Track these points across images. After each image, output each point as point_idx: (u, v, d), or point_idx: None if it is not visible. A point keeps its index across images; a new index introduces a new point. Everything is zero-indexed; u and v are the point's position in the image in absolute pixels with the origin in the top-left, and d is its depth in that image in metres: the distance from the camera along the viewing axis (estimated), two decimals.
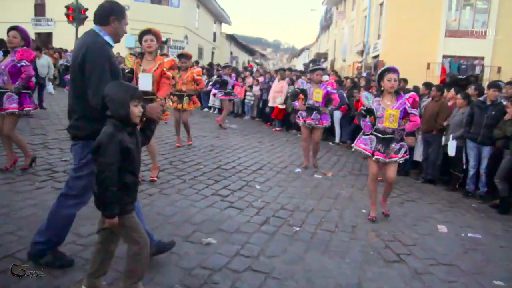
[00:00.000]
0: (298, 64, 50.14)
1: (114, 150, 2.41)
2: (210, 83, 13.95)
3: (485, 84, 9.92)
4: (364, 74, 17.92)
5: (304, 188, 6.04)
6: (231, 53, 40.67)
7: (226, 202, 4.98)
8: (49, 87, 10.99)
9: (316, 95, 7.16)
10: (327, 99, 7.23)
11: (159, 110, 2.82)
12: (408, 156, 5.15)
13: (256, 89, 13.27)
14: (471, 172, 6.70)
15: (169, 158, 6.89)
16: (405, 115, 4.83)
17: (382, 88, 4.92)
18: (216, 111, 14.73)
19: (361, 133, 5.16)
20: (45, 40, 26.41)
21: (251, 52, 50.68)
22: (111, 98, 2.48)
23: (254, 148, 8.63)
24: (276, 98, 11.83)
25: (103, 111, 2.52)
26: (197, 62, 17.89)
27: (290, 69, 14.95)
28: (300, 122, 7.37)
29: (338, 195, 5.93)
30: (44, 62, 10.81)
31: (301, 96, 7.43)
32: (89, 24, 3.37)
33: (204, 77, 14.54)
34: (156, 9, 25.40)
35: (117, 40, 3.00)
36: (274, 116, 11.92)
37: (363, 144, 5.03)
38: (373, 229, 4.65)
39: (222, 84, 11.77)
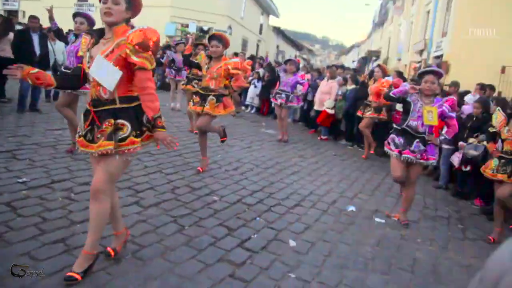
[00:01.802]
0: (347, 62, 47.83)
1: None
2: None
3: None
4: None
5: (362, 245, 4.02)
6: (278, 47, 38.65)
7: (239, 281, 3.04)
8: None
9: (429, 116, 4.42)
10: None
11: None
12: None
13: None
14: None
15: (174, 181, 5.04)
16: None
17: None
18: (254, 111, 12.84)
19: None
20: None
21: (298, 47, 48.40)
22: None
23: (292, 167, 6.64)
24: (324, 100, 9.78)
25: None
26: (236, 54, 16.03)
27: (342, 67, 12.77)
28: (392, 153, 4.67)
29: (415, 260, 3.88)
30: (60, 48, 9.08)
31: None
32: None
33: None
34: None
35: None
36: (320, 121, 9.86)
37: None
38: None
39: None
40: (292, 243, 3.79)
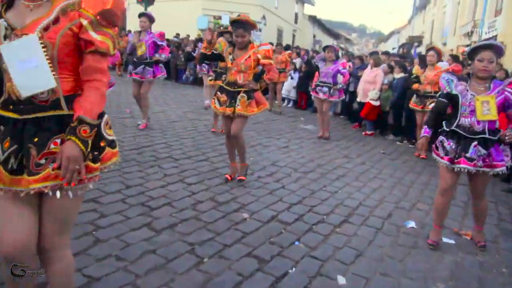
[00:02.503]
0: (387, 49, 45.84)
1: None
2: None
3: None
4: None
5: (432, 279, 3.11)
6: (314, 36, 37.41)
7: None
8: None
9: (484, 109, 3.35)
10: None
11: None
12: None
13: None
14: None
15: (197, 193, 4.27)
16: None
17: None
18: (291, 104, 11.96)
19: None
20: None
21: (335, 36, 46.84)
22: None
23: (336, 170, 5.74)
24: (368, 91, 8.77)
25: None
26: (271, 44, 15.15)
27: (387, 53, 11.61)
28: (441, 161, 3.57)
29: None
30: None
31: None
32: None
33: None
34: None
35: None
36: (364, 115, 8.86)
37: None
38: None
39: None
40: (341, 280, 2.93)
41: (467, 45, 20.32)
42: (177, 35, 18.39)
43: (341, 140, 7.87)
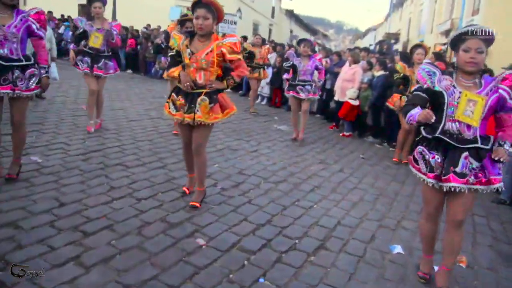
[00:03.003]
0: (363, 46, 45.73)
1: None
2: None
3: None
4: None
5: None
6: (291, 31, 36.84)
7: None
8: (53, 69, 7.60)
9: (467, 109, 2.70)
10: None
11: None
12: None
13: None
14: None
15: (145, 213, 3.57)
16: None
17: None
18: (264, 102, 11.30)
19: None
20: (87, 12, 24.12)
21: (313, 31, 46.45)
22: None
23: (311, 180, 5.12)
24: (346, 89, 8.20)
25: None
26: (244, 38, 14.46)
27: (367, 49, 11.03)
28: (425, 179, 2.84)
29: None
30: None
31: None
32: None
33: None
34: None
35: None
36: (342, 115, 8.28)
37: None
38: None
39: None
40: None
41: (444, 44, 20.07)
42: (148, 26, 17.50)
43: (316, 142, 7.26)
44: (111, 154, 5.03)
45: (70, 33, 17.55)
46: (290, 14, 36.11)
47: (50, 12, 17.37)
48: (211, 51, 3.50)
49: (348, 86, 8.23)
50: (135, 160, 4.88)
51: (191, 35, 3.61)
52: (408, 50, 7.32)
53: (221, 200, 4.04)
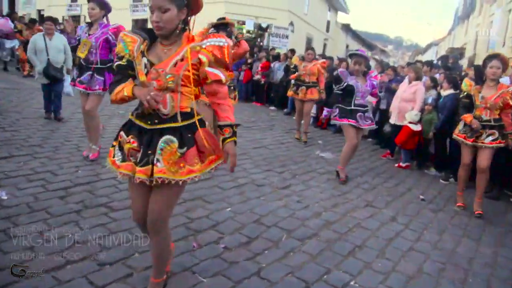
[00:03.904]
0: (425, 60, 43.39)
1: None
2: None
3: None
4: None
5: None
6: (347, 46, 35.28)
7: None
8: (67, 83, 6.66)
9: None
10: None
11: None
12: None
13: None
14: None
15: None
16: None
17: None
18: (310, 122, 9.99)
19: None
20: (141, 27, 24.17)
21: (370, 46, 44.54)
22: None
23: (351, 233, 3.84)
24: (406, 111, 6.82)
25: None
26: (292, 51, 13.32)
27: (429, 63, 9.44)
28: None
29: None
30: (59, 44, 6.91)
31: None
32: None
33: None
34: None
35: None
36: (399, 142, 6.88)
37: None
38: None
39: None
40: None
41: None
42: None
43: (365, 175, 5.94)
44: (100, 190, 4.04)
45: None
46: (347, 28, 34.60)
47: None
48: (182, 60, 2.15)
49: (408, 107, 6.85)
50: (126, 200, 3.83)
51: (150, 37, 2.20)
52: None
53: (217, 269, 2.88)
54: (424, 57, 49.84)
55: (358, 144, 5.64)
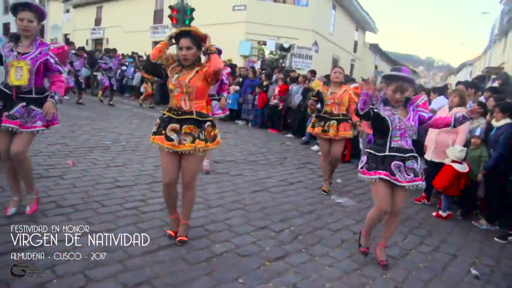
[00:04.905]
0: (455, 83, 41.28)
1: None
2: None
3: None
4: None
5: None
6: (376, 67, 33.76)
7: None
8: None
9: None
10: None
11: None
12: None
13: None
14: None
15: None
16: None
17: None
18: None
19: None
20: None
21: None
22: None
23: None
24: (446, 145, 5.36)
25: None
26: (313, 73, 12.02)
27: (474, 85, 7.82)
28: None
29: None
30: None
31: None
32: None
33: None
34: (278, 9, 20.25)
35: None
36: (440, 187, 5.35)
37: None
38: None
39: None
40: None
41: None
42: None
43: (394, 234, 4.48)
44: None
45: (132, 69, 16.57)
46: (375, 48, 33.15)
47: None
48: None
49: (448, 140, 5.40)
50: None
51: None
52: None
53: None
54: (457, 78, 47.68)
55: (395, 211, 3.68)
